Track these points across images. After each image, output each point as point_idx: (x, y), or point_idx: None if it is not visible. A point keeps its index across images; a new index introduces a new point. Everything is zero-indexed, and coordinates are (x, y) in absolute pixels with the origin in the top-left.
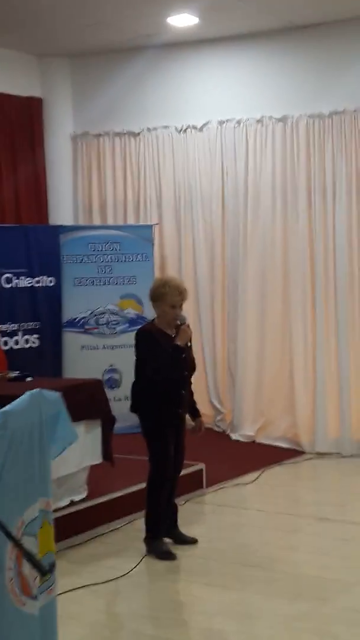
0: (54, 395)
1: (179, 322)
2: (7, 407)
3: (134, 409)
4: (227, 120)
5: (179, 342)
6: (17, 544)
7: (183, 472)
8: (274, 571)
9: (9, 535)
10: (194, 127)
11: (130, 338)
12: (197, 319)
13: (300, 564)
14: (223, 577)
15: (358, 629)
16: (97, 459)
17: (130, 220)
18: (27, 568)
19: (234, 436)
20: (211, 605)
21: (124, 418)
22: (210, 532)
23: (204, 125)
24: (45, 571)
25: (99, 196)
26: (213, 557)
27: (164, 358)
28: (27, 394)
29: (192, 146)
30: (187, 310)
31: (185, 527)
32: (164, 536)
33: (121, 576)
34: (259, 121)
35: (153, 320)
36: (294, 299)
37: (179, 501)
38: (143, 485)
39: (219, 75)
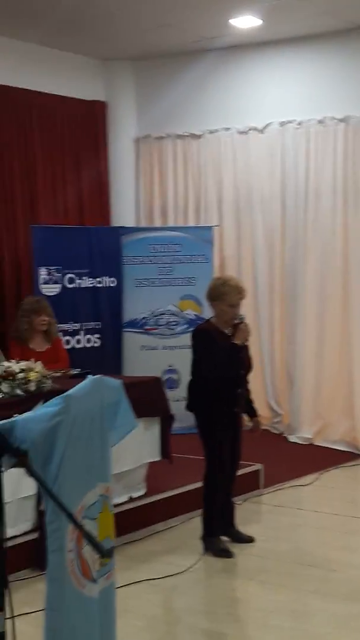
0: (116, 383)
1: (237, 321)
2: (69, 392)
3: (189, 407)
4: (288, 122)
5: (236, 341)
6: (78, 525)
7: (241, 472)
8: (331, 571)
9: (69, 516)
10: (255, 129)
11: (189, 339)
12: (256, 320)
13: (357, 565)
14: (279, 575)
15: None
16: (156, 456)
17: (191, 222)
18: (87, 551)
19: (291, 438)
20: (267, 603)
21: (181, 418)
22: (267, 532)
23: (266, 126)
24: (105, 553)
25: (161, 198)
26: (269, 556)
27: (221, 356)
28: (89, 379)
29: (253, 147)
30: (246, 311)
31: (242, 527)
32: (221, 534)
33: (179, 573)
34: (320, 122)
35: (210, 318)
36: (354, 301)
37: (236, 500)
38: (200, 484)
39: (280, 76)
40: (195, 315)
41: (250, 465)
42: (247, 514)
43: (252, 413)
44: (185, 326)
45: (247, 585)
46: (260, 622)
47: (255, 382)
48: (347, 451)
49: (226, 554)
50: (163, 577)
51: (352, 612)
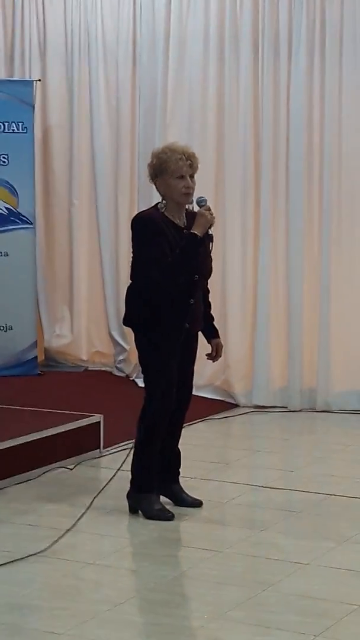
0: None
1: (194, 204)
2: None
3: (127, 321)
4: None
5: (196, 231)
6: None
7: (73, 425)
8: (198, 550)
9: None
10: None
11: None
12: (95, 218)
13: (233, 542)
14: (122, 560)
15: (310, 619)
16: None
17: (0, 75)
18: None
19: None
20: (114, 590)
21: None
22: (108, 504)
23: None
24: None
25: None
26: (112, 536)
27: (173, 255)
28: None
29: None
30: (81, 208)
31: (77, 497)
32: (159, 492)
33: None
34: None
35: (156, 204)
36: (231, 194)
37: (66, 464)
38: (17, 441)
39: None
40: (7, 208)
41: (85, 417)
42: (82, 481)
43: (211, 333)
44: None
45: (85, 570)
46: (103, 617)
47: (96, 307)
48: (217, 399)
49: (165, 515)
50: None
51: (231, 600)
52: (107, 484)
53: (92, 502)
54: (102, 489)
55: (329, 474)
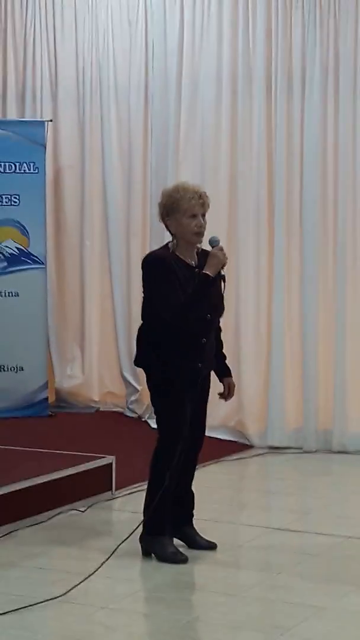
0: None
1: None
2: None
3: (138, 362)
4: None
5: (208, 271)
6: None
7: (84, 468)
8: (213, 593)
9: None
10: None
11: (9, 283)
12: (107, 259)
13: (248, 586)
14: (125, 610)
15: None
16: None
17: (12, 114)
18: None
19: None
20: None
21: None
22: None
23: None
24: None
25: None
26: (123, 583)
27: (185, 296)
28: None
29: (103, 11)
30: (92, 248)
31: (88, 540)
32: (172, 534)
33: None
34: None
35: (167, 244)
36: (244, 235)
37: (77, 506)
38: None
39: None
40: (17, 249)
41: (97, 459)
42: (94, 524)
43: (223, 372)
44: (4, 265)
45: (98, 615)
46: None
47: (108, 347)
48: (231, 440)
49: (178, 558)
50: None
51: None
52: (135, 530)
53: (116, 548)
54: (129, 535)
55: (346, 516)
